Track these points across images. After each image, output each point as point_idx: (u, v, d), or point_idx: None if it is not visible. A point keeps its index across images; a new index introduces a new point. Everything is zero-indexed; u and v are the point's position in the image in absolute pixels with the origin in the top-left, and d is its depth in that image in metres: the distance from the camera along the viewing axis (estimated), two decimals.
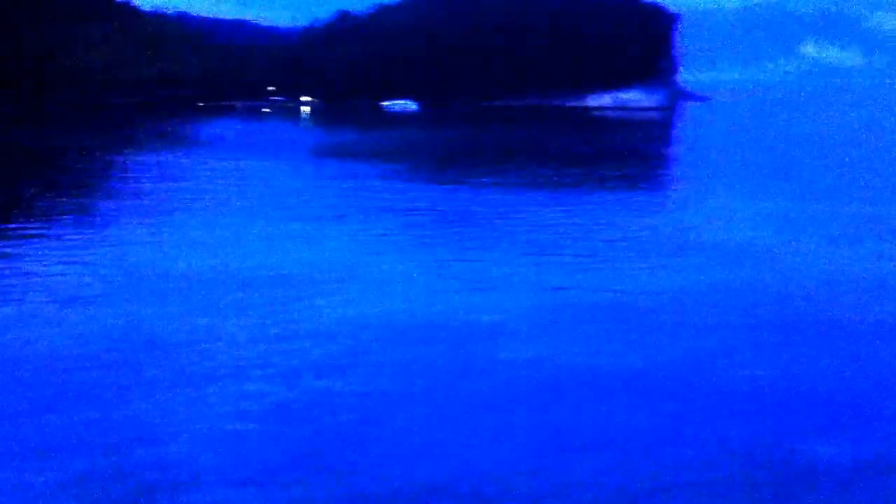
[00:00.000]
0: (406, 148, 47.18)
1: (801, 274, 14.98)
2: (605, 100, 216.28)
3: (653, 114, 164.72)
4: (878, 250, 17.27)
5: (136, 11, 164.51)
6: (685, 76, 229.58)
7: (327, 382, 9.23)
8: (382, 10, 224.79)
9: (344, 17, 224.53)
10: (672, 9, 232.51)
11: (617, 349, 10.47)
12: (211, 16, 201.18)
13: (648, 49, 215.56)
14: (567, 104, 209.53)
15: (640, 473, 7.21)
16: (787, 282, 14.33)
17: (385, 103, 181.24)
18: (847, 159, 47.14)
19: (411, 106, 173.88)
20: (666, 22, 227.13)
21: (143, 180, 28.79)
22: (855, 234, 19.34)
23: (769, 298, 13.16)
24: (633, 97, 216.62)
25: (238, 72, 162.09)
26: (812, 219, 21.81)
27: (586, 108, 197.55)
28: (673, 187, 32.10)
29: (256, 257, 15.61)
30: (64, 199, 23.97)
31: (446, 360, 9.98)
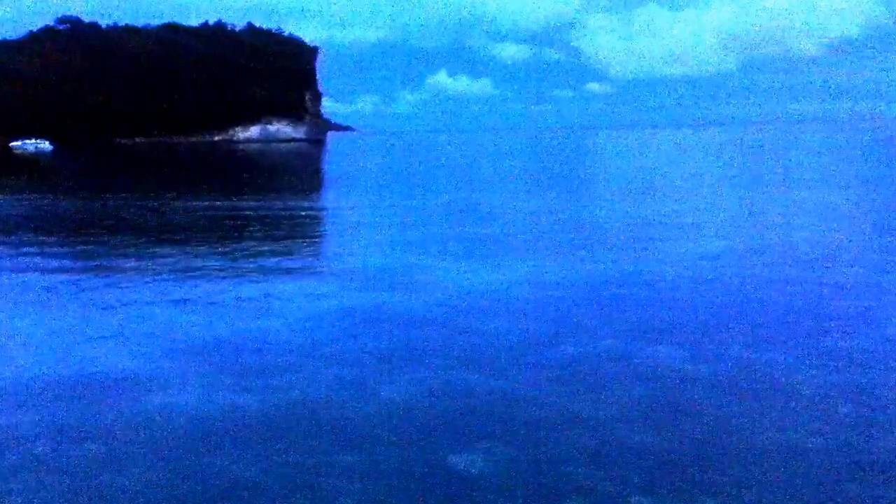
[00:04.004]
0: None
1: (437, 291, 15.57)
2: (252, 132, 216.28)
3: (299, 145, 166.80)
4: (497, 264, 18.50)
5: None
6: (329, 107, 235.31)
7: None
8: (3, 47, 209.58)
9: None
10: (311, 42, 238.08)
11: (251, 385, 10.20)
12: None
13: (292, 81, 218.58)
14: (213, 138, 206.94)
15: None
16: (424, 300, 14.84)
17: (15, 143, 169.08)
18: (477, 182, 50.47)
19: (45, 146, 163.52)
20: (307, 54, 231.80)
21: None
22: (474, 251, 20.57)
23: (408, 319, 13.50)
24: (280, 129, 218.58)
25: None
26: (441, 240, 22.95)
27: (232, 142, 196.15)
28: (320, 219, 32.41)
29: None
30: None
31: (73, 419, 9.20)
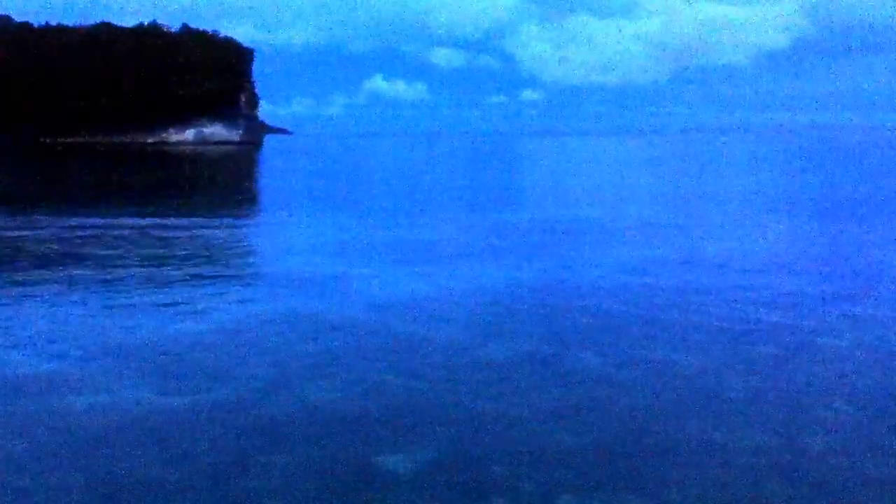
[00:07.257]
0: None
1: (365, 297, 15.57)
2: (186, 135, 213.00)
3: (235, 148, 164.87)
4: (426, 271, 18.57)
5: None
6: (264, 109, 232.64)
7: None
8: None
9: None
10: (246, 43, 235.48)
11: (175, 387, 10.11)
12: None
13: (227, 83, 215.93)
14: (147, 140, 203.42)
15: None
16: (353, 306, 14.81)
17: None
18: (406, 187, 50.49)
19: None
20: (242, 56, 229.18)
21: None
22: (404, 258, 20.45)
23: (336, 323, 13.47)
24: (215, 131, 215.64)
25: None
26: (371, 247, 22.81)
27: (165, 144, 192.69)
28: (249, 223, 32.12)
29: None
30: None
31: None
